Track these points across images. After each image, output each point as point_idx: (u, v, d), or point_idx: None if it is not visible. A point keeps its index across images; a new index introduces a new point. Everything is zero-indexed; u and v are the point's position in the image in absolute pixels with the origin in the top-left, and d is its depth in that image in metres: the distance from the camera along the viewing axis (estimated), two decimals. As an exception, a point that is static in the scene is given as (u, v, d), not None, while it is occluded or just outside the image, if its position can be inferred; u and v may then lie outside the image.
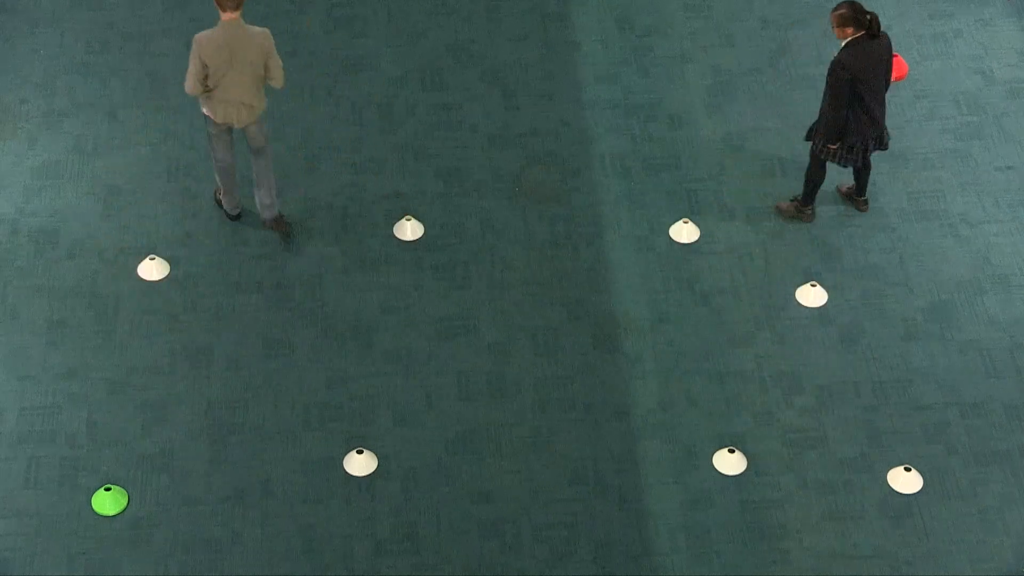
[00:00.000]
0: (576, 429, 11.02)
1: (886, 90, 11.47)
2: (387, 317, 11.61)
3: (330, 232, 12.11)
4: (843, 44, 11.22)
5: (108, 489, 10.56)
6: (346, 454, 10.84)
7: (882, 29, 11.58)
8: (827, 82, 11.21)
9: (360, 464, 10.78)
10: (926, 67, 13.24)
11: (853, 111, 11.33)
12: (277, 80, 11.29)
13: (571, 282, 11.82)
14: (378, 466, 10.79)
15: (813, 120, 12.81)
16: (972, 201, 12.34)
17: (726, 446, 10.91)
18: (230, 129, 11.48)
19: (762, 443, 10.96)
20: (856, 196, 12.18)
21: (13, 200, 12.21)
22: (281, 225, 11.90)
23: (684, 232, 12.06)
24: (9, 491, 10.64)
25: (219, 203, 12.11)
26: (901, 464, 10.84)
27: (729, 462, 10.83)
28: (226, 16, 10.99)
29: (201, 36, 10.99)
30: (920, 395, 11.21)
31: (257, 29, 11.13)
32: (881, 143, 11.60)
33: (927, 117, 12.89)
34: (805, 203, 12.04)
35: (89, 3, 13.59)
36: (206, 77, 11.08)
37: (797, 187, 12.37)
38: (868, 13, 11.15)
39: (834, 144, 11.48)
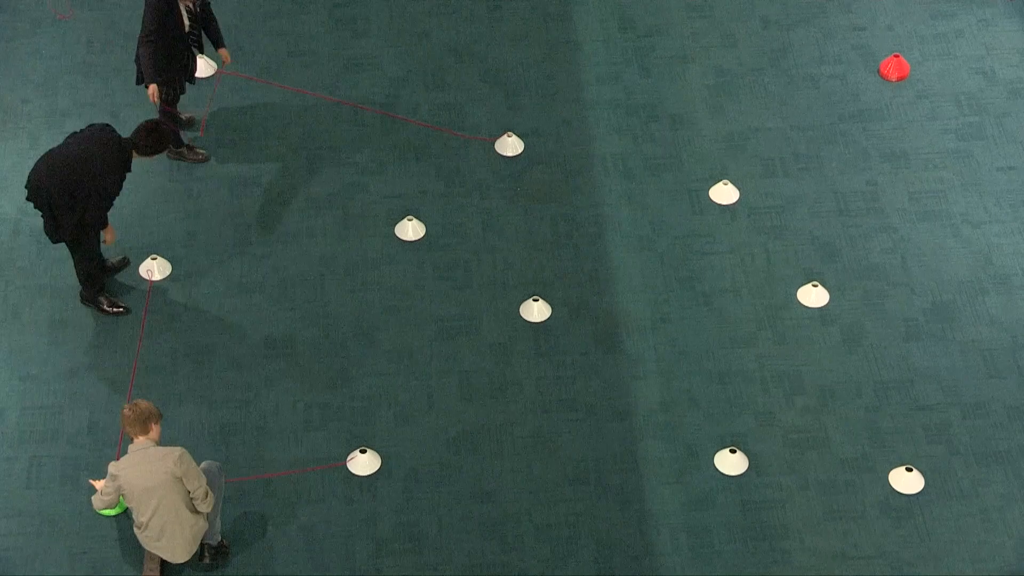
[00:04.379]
0: (577, 429, 11.02)
1: None
2: (389, 317, 11.62)
3: (332, 232, 12.11)
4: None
5: (110, 489, 10.56)
6: (348, 454, 10.85)
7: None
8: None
9: (364, 463, 10.78)
10: (928, 67, 13.24)
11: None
12: (202, 504, 9.86)
13: (572, 282, 11.82)
14: (380, 466, 10.80)
15: (814, 123, 12.84)
16: (974, 201, 12.34)
17: (727, 446, 10.91)
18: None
19: (763, 443, 10.96)
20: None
21: (15, 200, 12.21)
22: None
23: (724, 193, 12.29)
24: (11, 490, 10.65)
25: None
26: (903, 464, 10.84)
27: (730, 462, 10.82)
28: (138, 440, 9.76)
29: (113, 465, 9.73)
30: (922, 395, 11.21)
31: (168, 448, 9.78)
32: None
33: (929, 117, 12.89)
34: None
35: (90, 3, 13.59)
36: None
37: (798, 186, 12.37)
38: None
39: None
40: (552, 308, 11.66)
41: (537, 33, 13.51)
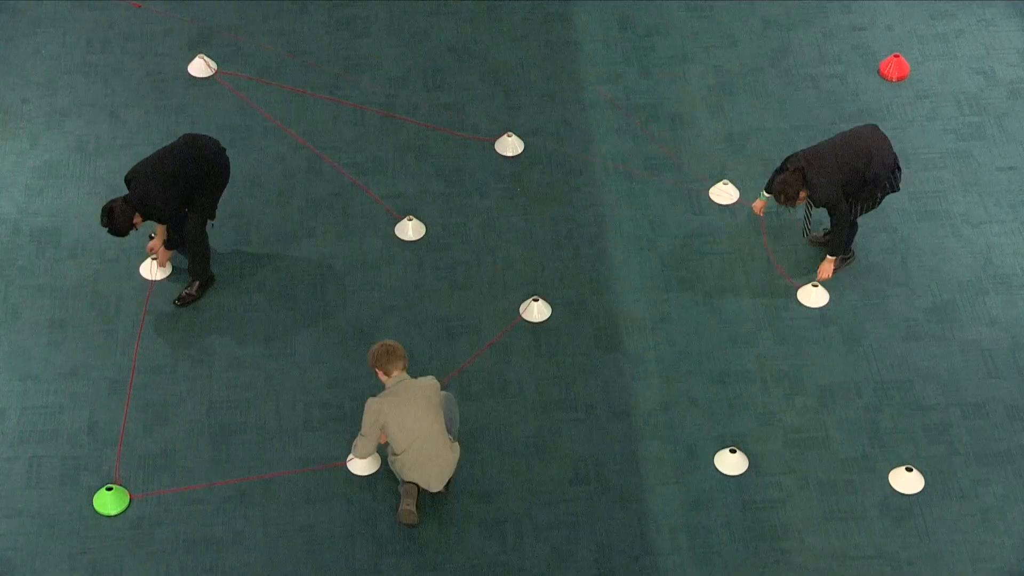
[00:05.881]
0: (577, 429, 11.02)
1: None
2: (388, 317, 11.61)
3: (332, 232, 12.11)
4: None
5: (110, 488, 10.56)
6: (348, 454, 10.84)
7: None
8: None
9: (364, 464, 10.77)
10: (928, 67, 13.24)
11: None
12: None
13: (572, 282, 11.82)
14: (380, 466, 10.80)
15: (814, 123, 12.83)
16: (974, 201, 12.34)
17: (727, 446, 10.91)
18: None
19: (763, 443, 10.96)
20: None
21: (15, 200, 12.21)
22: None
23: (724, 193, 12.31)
24: (11, 490, 10.64)
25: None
26: (903, 464, 10.84)
27: (730, 462, 10.82)
28: (392, 378, 10.31)
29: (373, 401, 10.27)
30: (922, 395, 11.21)
31: (422, 379, 10.38)
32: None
33: (929, 117, 12.89)
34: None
35: (90, 3, 13.59)
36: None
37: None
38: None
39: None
40: (552, 308, 11.66)
41: (537, 33, 13.50)
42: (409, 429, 10.24)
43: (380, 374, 10.34)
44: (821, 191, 11.18)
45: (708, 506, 10.64)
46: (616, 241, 12.07)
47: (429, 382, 10.36)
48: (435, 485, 10.42)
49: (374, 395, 10.41)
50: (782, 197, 11.18)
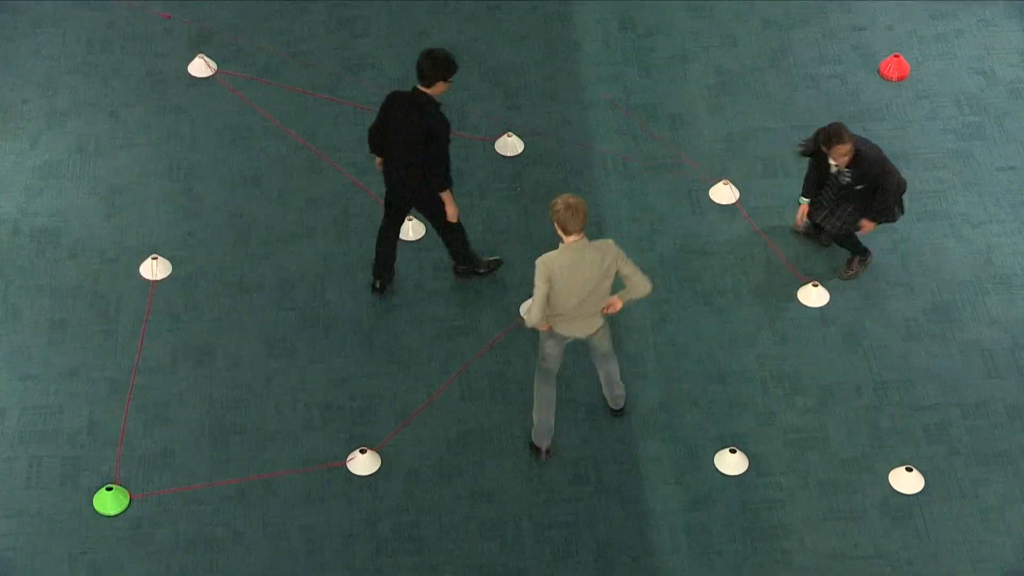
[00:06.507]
0: (577, 429, 11.02)
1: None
2: (388, 317, 11.62)
3: (332, 232, 12.11)
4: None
5: (110, 488, 10.56)
6: (348, 454, 10.85)
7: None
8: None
9: (364, 463, 10.78)
10: (928, 67, 13.25)
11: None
12: (642, 285, 10.20)
13: (573, 282, 11.82)
14: (380, 466, 10.80)
15: (814, 123, 12.82)
16: (974, 201, 12.34)
17: (727, 446, 10.91)
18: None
19: (763, 443, 10.96)
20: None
21: (15, 200, 12.21)
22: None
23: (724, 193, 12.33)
24: (11, 490, 10.65)
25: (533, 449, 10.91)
26: (903, 464, 10.84)
27: (730, 462, 10.83)
28: (570, 239, 10.03)
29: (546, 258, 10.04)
30: (922, 395, 11.21)
31: (600, 243, 10.14)
32: None
33: (929, 117, 12.89)
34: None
35: (90, 3, 13.60)
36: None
37: (798, 186, 12.34)
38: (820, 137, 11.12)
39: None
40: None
41: (537, 33, 13.51)
42: (574, 292, 10.08)
43: (559, 229, 10.02)
44: (867, 157, 11.05)
45: (708, 506, 10.64)
46: (617, 241, 12.06)
47: (605, 244, 10.10)
48: (580, 333, 10.41)
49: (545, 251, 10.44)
50: (834, 139, 10.93)
